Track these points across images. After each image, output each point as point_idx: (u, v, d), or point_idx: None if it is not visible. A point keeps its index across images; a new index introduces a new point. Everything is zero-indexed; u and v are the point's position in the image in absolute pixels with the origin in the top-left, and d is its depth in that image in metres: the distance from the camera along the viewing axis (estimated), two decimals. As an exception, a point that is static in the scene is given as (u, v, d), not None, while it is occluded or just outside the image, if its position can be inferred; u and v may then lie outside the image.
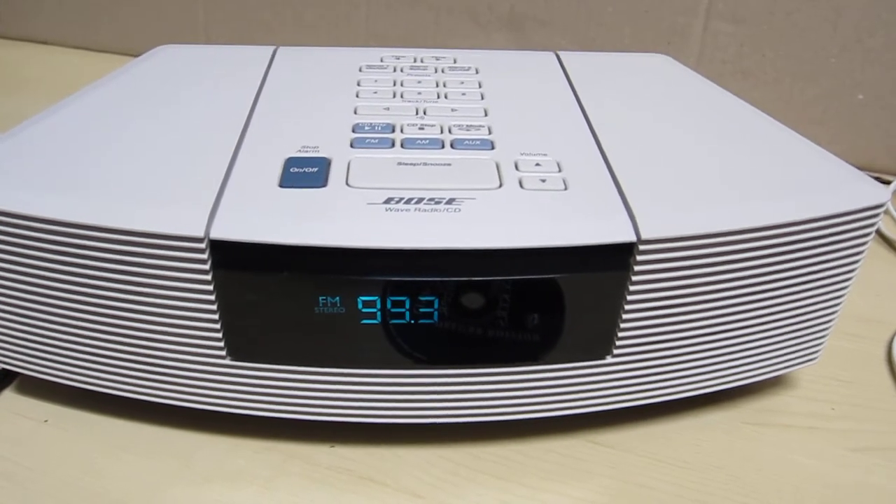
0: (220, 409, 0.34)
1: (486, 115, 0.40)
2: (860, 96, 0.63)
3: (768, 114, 0.42)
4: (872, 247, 0.35)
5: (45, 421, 0.37)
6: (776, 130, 0.40)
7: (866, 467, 0.36)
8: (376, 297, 0.31)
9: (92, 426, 0.36)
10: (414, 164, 0.34)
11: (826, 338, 0.37)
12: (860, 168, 0.36)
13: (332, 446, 0.36)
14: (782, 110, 0.65)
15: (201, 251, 0.30)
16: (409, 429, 0.35)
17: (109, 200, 0.31)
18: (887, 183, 0.36)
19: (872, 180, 0.35)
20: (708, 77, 0.47)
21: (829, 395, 0.40)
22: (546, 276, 0.31)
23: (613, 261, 0.31)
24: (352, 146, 0.36)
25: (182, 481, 0.34)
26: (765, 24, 0.64)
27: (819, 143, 0.38)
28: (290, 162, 0.34)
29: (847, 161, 0.37)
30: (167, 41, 0.51)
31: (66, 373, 0.35)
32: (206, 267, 0.30)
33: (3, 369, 0.37)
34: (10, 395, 0.38)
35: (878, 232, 0.55)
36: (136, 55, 0.49)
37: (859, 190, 0.34)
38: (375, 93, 0.42)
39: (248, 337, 0.32)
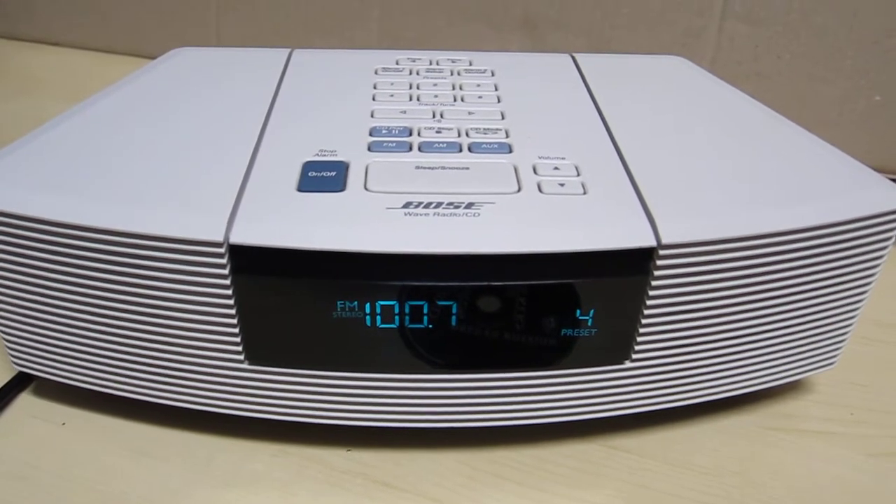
0: (238, 413, 0.34)
1: (503, 118, 0.40)
2: (877, 97, 0.63)
3: (784, 116, 0.42)
4: (892, 250, 0.35)
5: (63, 424, 0.37)
6: (793, 133, 0.40)
7: (885, 473, 0.36)
8: (394, 302, 0.31)
9: (109, 429, 0.36)
10: (432, 168, 0.34)
11: (845, 342, 0.37)
12: (878, 170, 0.36)
13: (349, 450, 0.36)
14: (798, 112, 0.64)
15: (220, 256, 0.30)
16: (427, 433, 0.35)
17: (128, 205, 0.31)
18: (905, 185, 0.36)
19: (892, 184, 0.35)
20: (722, 79, 0.47)
21: (848, 399, 0.40)
22: (565, 281, 0.31)
23: (633, 266, 0.31)
24: (369, 150, 0.36)
25: (200, 485, 0.34)
26: (780, 26, 0.63)
27: (836, 145, 0.38)
28: (308, 166, 0.34)
29: (864, 163, 0.36)
30: (180, 43, 0.51)
31: (84, 376, 0.35)
32: (225, 272, 0.30)
33: (21, 372, 0.37)
34: (27, 398, 0.38)
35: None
36: (149, 57, 0.49)
37: (879, 194, 0.34)
38: (392, 95, 0.42)
39: (267, 341, 0.32)
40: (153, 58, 0.48)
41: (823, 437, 0.38)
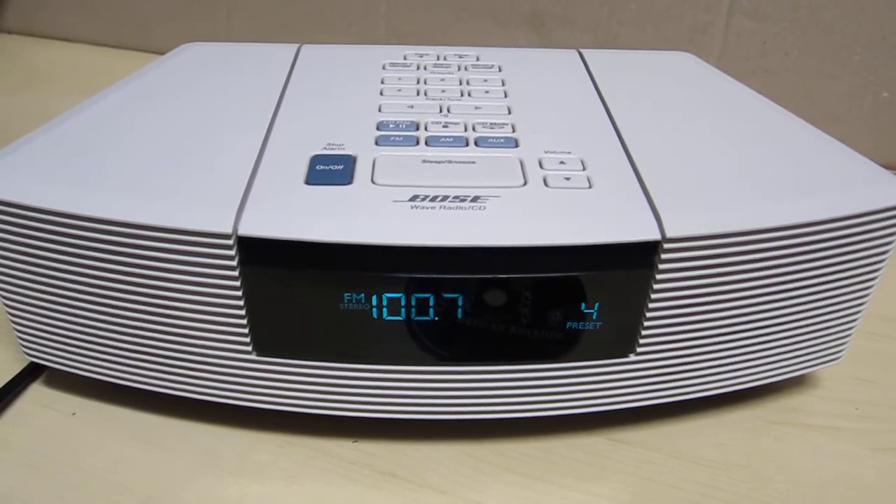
0: (245, 404, 0.35)
1: (509, 112, 0.40)
2: (885, 94, 0.63)
3: (791, 112, 0.42)
4: (898, 246, 0.35)
5: (73, 414, 0.37)
6: (800, 128, 0.40)
7: (890, 467, 0.36)
8: (401, 294, 0.31)
9: (119, 419, 0.37)
10: (439, 162, 0.34)
11: (850, 337, 0.37)
12: (885, 166, 0.36)
13: (356, 441, 0.36)
14: (805, 108, 0.64)
15: (229, 248, 0.30)
16: (432, 425, 0.35)
17: (138, 197, 0.31)
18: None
19: (898, 179, 0.35)
20: (729, 75, 0.47)
21: (853, 394, 0.40)
22: (570, 274, 0.31)
23: (638, 259, 0.31)
24: (377, 143, 0.36)
25: (208, 474, 0.34)
26: (788, 21, 0.63)
27: (843, 141, 0.38)
28: (316, 159, 0.34)
29: (871, 159, 0.36)
30: (190, 39, 0.51)
31: (94, 367, 0.35)
32: (234, 263, 0.30)
33: (32, 363, 0.38)
34: (38, 388, 0.39)
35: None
36: (159, 52, 0.50)
37: (885, 189, 0.34)
38: (399, 90, 0.42)
39: (274, 332, 0.32)
40: (163, 53, 0.49)
41: (829, 431, 0.38)
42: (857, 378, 0.41)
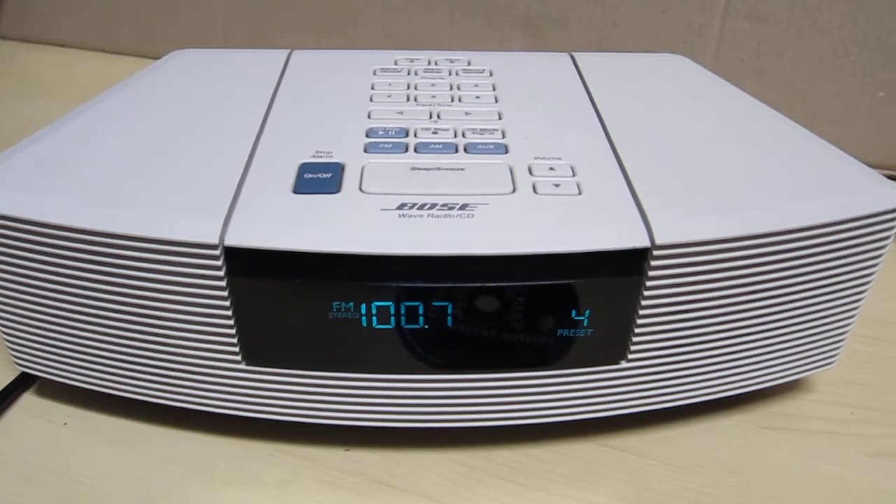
0: (235, 413, 0.35)
1: (499, 118, 0.40)
2: (881, 94, 0.62)
3: (786, 114, 0.42)
4: (892, 248, 0.35)
5: (65, 423, 0.37)
6: (793, 132, 0.40)
7: (885, 472, 0.36)
8: (390, 303, 0.31)
9: (110, 429, 0.37)
10: (427, 169, 0.34)
11: (844, 342, 0.37)
12: (881, 168, 0.36)
13: (347, 450, 0.36)
14: (801, 110, 0.64)
15: (216, 258, 0.30)
16: (423, 432, 0.35)
17: (125, 208, 0.31)
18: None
19: (891, 182, 0.35)
20: (725, 76, 0.47)
21: (848, 399, 0.40)
22: (560, 282, 0.31)
23: (628, 266, 0.31)
24: (365, 151, 0.36)
25: (199, 483, 0.34)
26: (783, 22, 0.63)
27: (839, 143, 0.38)
28: (304, 168, 0.34)
29: (868, 160, 0.36)
30: (186, 44, 0.51)
31: (85, 376, 0.35)
32: (221, 273, 0.30)
33: (24, 373, 0.38)
34: (30, 398, 0.39)
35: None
36: (155, 58, 0.50)
37: (877, 193, 0.33)
38: (389, 96, 0.42)
39: (263, 342, 0.32)
40: (158, 58, 0.49)
41: (823, 436, 0.38)
42: (852, 382, 0.41)
